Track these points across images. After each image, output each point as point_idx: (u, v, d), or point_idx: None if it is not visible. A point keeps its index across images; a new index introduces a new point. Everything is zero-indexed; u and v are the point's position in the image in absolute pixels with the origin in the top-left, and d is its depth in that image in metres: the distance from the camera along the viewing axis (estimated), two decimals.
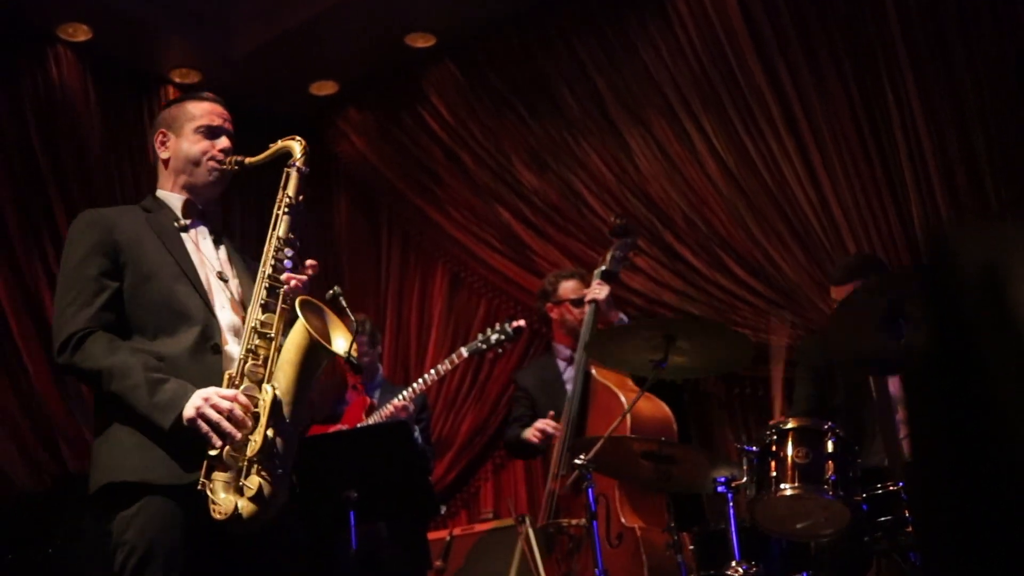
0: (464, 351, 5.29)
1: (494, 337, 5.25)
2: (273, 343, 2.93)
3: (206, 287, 3.06)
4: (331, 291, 3.10)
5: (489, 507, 6.75)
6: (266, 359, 2.92)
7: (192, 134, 3.22)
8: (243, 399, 2.83)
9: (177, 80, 7.18)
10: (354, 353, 2.96)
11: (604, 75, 6.56)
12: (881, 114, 5.72)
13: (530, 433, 5.21)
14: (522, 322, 5.35)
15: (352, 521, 4.23)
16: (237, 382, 2.87)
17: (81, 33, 6.62)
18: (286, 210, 3.12)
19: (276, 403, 2.84)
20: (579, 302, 5.30)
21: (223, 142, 3.24)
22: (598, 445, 4.14)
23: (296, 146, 3.20)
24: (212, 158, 3.21)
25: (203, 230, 3.23)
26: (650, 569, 4.58)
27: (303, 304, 2.92)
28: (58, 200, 6.35)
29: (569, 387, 5.19)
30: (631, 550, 4.57)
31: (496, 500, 6.82)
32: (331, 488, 4.24)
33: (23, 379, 5.99)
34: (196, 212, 3.23)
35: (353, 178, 7.80)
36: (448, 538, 6.06)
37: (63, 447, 5.96)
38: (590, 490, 4.17)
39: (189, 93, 3.47)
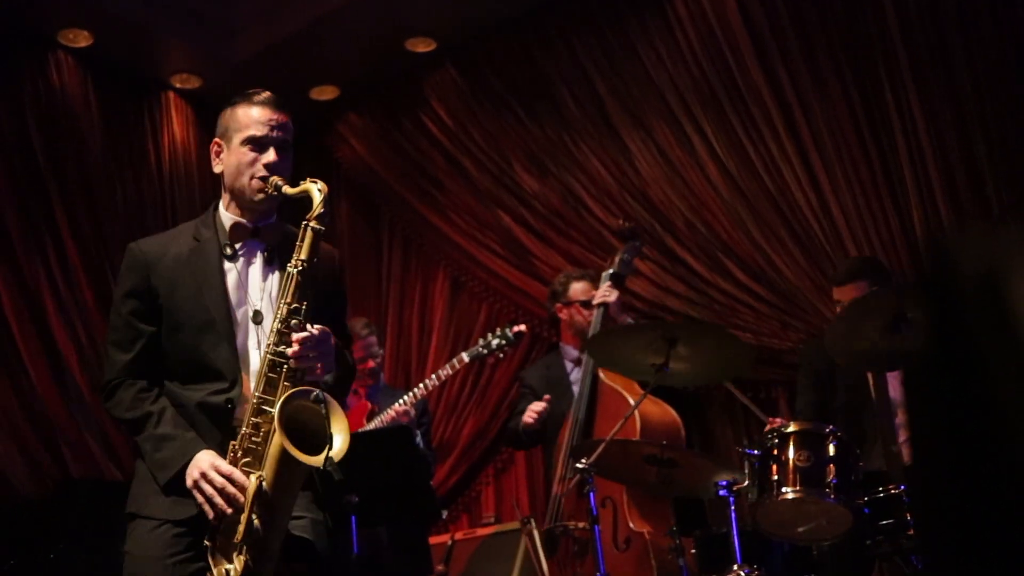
0: (465, 356, 5.30)
1: (495, 342, 5.25)
2: (274, 420, 2.85)
3: (239, 332, 3.00)
4: (313, 395, 2.80)
5: (491, 511, 6.74)
6: (267, 435, 2.86)
7: (239, 147, 3.04)
8: (239, 477, 2.83)
9: (178, 85, 7.20)
10: (336, 459, 2.78)
11: (604, 78, 6.56)
12: (881, 117, 5.72)
13: (525, 417, 5.21)
14: (523, 327, 5.36)
15: (353, 525, 4.23)
16: (239, 454, 2.87)
17: (82, 39, 6.63)
18: (299, 277, 2.91)
19: (260, 492, 2.80)
20: (588, 304, 5.32)
21: (269, 156, 3.01)
22: (600, 449, 4.15)
23: (316, 197, 2.96)
24: (254, 175, 3.02)
25: (255, 253, 3.08)
26: (659, 574, 4.58)
27: (294, 396, 2.81)
28: (59, 204, 6.36)
29: (575, 388, 5.20)
30: (639, 555, 4.57)
31: (498, 504, 6.81)
32: (332, 492, 4.23)
33: (24, 381, 6.00)
34: (247, 233, 3.07)
35: (354, 183, 7.79)
36: (450, 542, 6.05)
37: (64, 450, 5.96)
38: (591, 494, 4.18)
39: (245, 93, 3.13)
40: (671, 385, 4.60)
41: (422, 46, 7.09)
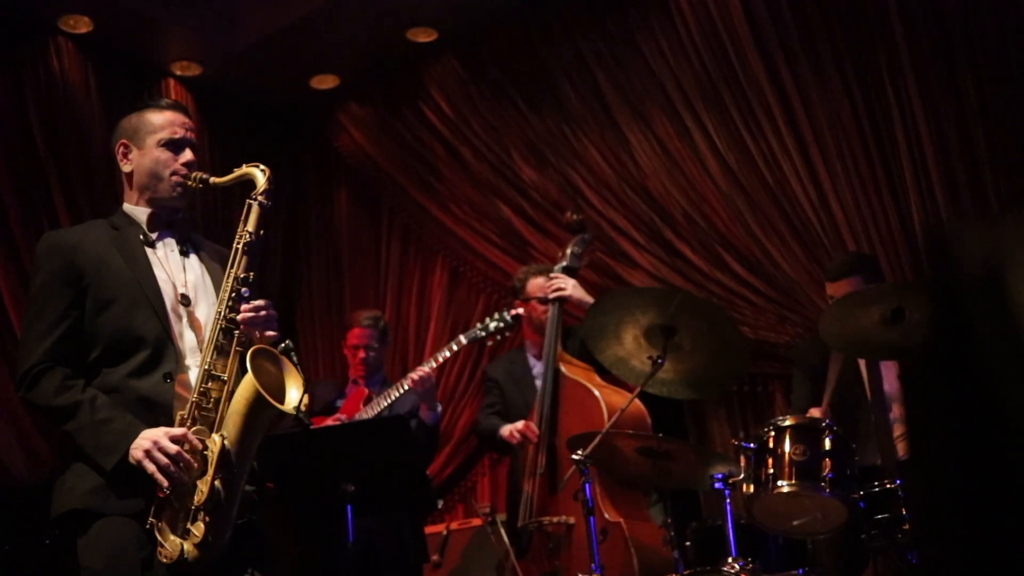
0: (463, 339, 5.28)
1: (492, 325, 5.24)
2: (226, 386, 2.91)
3: (169, 311, 3.04)
4: (282, 344, 2.96)
5: (486, 501, 6.75)
6: (217, 401, 2.90)
7: (155, 147, 3.15)
8: (193, 440, 2.83)
9: (178, 72, 7.19)
10: (303, 408, 2.90)
11: (605, 69, 6.56)
12: (882, 112, 5.72)
13: (508, 432, 5.17)
14: (520, 310, 5.33)
15: (349, 514, 4.23)
16: (188, 424, 2.87)
17: (82, 25, 6.62)
18: (246, 248, 3.05)
19: (224, 453, 2.82)
20: (543, 301, 5.29)
21: (186, 155, 3.17)
22: (596, 440, 4.14)
23: (260, 176, 3.12)
24: (175, 172, 3.14)
25: (170, 242, 3.18)
26: (640, 562, 4.59)
27: (258, 352, 2.88)
28: (59, 191, 6.36)
29: (539, 383, 5.18)
30: (618, 545, 4.57)
31: (493, 495, 6.82)
32: (328, 481, 4.24)
33: None
34: (162, 224, 3.18)
35: (354, 172, 7.79)
36: (445, 532, 6.07)
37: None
38: (587, 485, 4.18)
39: (149, 100, 3.33)
40: (665, 395, 4.57)
41: (423, 36, 7.09)
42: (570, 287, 5.20)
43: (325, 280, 7.85)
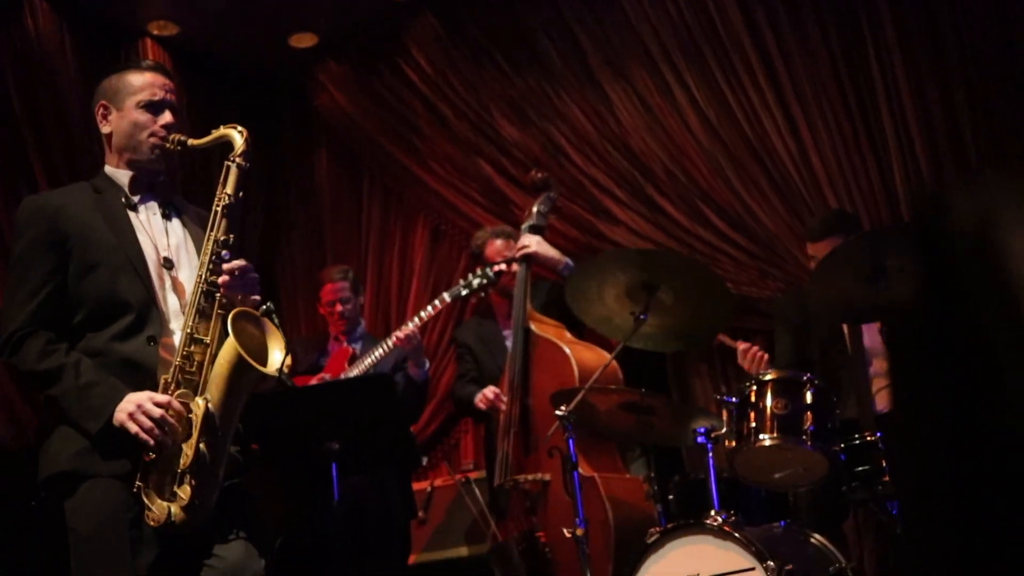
0: (447, 296, 5.29)
1: (476, 282, 5.24)
2: (209, 349, 2.91)
3: (153, 274, 3.03)
4: (264, 306, 2.98)
5: (470, 459, 6.79)
6: (201, 364, 2.90)
7: (134, 109, 3.14)
8: (176, 405, 2.84)
9: (155, 32, 7.12)
10: (286, 370, 2.93)
11: (585, 27, 6.53)
12: (862, 68, 5.72)
13: (479, 399, 5.20)
14: (503, 266, 5.33)
15: (334, 473, 4.26)
16: (172, 388, 2.87)
17: None
18: (225, 210, 3.03)
19: (208, 416, 2.83)
20: (509, 262, 5.29)
21: (165, 117, 3.15)
22: (579, 396, 4.17)
23: (238, 138, 3.10)
24: (153, 134, 3.13)
25: (152, 205, 3.17)
26: (616, 516, 4.62)
27: (239, 315, 2.88)
28: (36, 153, 6.30)
29: (509, 344, 5.19)
30: (593, 500, 4.58)
31: (477, 452, 6.84)
32: (313, 440, 4.25)
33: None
34: (144, 187, 3.17)
35: (333, 131, 7.75)
36: (429, 489, 6.11)
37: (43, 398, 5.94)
38: (571, 441, 4.21)
39: (130, 62, 3.38)
40: (646, 348, 4.58)
41: None
42: (534, 244, 5.20)
43: (306, 240, 7.83)
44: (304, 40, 7.46)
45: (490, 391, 5.12)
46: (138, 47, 7.07)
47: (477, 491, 5.26)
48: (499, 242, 5.42)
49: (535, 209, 5.35)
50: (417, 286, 7.18)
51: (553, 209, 5.52)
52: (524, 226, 5.32)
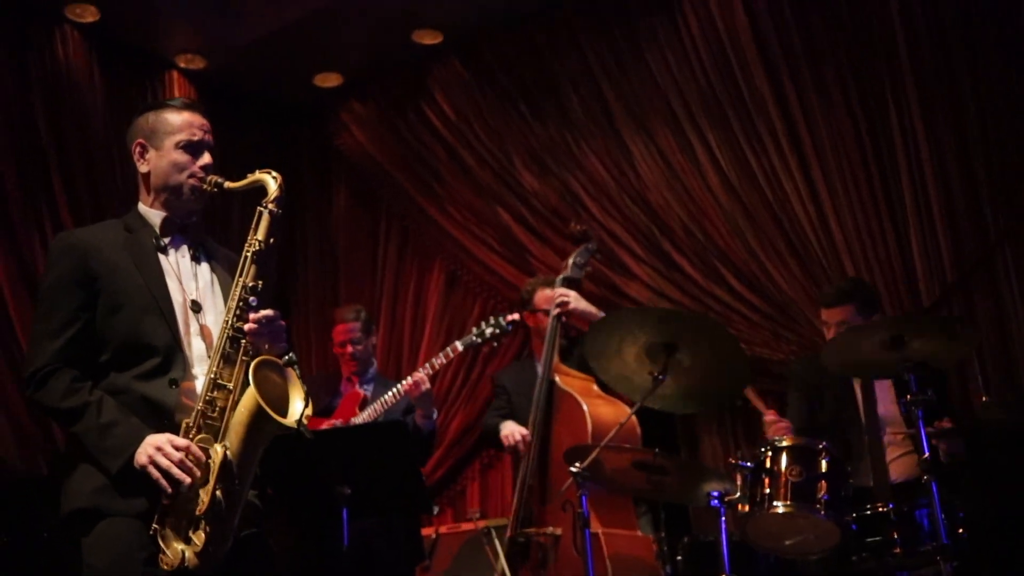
0: (459, 344, 5.29)
1: (488, 331, 5.25)
2: (231, 396, 2.91)
3: (179, 318, 3.04)
4: (286, 357, 2.96)
5: (476, 507, 6.76)
6: (223, 411, 2.90)
7: (173, 149, 3.13)
8: (195, 450, 2.83)
9: (182, 65, 7.19)
10: (305, 421, 2.89)
11: (611, 80, 6.59)
12: (884, 136, 5.77)
13: (504, 434, 5.23)
14: (517, 315, 5.33)
15: (344, 517, 4.25)
16: (193, 433, 2.87)
17: (89, 14, 6.61)
18: (255, 256, 3.04)
19: (226, 463, 2.83)
20: (547, 312, 5.32)
21: (204, 158, 3.15)
22: (594, 454, 4.18)
23: (272, 183, 3.10)
24: (192, 175, 3.12)
25: (183, 248, 3.18)
26: (615, 573, 4.62)
27: (262, 364, 2.88)
28: (59, 178, 6.36)
29: None
30: (596, 557, 4.57)
31: (483, 500, 6.84)
32: (324, 484, 4.25)
33: (18, 355, 5.97)
34: (175, 228, 3.17)
35: (354, 170, 7.79)
36: (434, 536, 6.08)
37: (55, 427, 5.94)
38: (584, 497, 4.21)
39: (168, 100, 3.33)
40: (666, 409, 4.60)
41: (429, 38, 7.10)
42: (573, 299, 5.23)
43: (320, 278, 7.86)
44: (329, 80, 7.54)
45: (519, 431, 5.15)
46: (165, 79, 7.14)
47: (497, 541, 5.24)
48: (548, 291, 5.43)
49: (571, 261, 5.38)
50: (430, 330, 7.20)
51: (592, 259, 5.56)
52: (559, 278, 5.35)
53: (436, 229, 7.30)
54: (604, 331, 4.42)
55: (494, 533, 5.27)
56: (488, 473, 6.97)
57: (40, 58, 6.48)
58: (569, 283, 5.31)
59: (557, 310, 5.21)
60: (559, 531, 4.79)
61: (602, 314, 5.34)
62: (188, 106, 3.24)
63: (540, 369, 5.35)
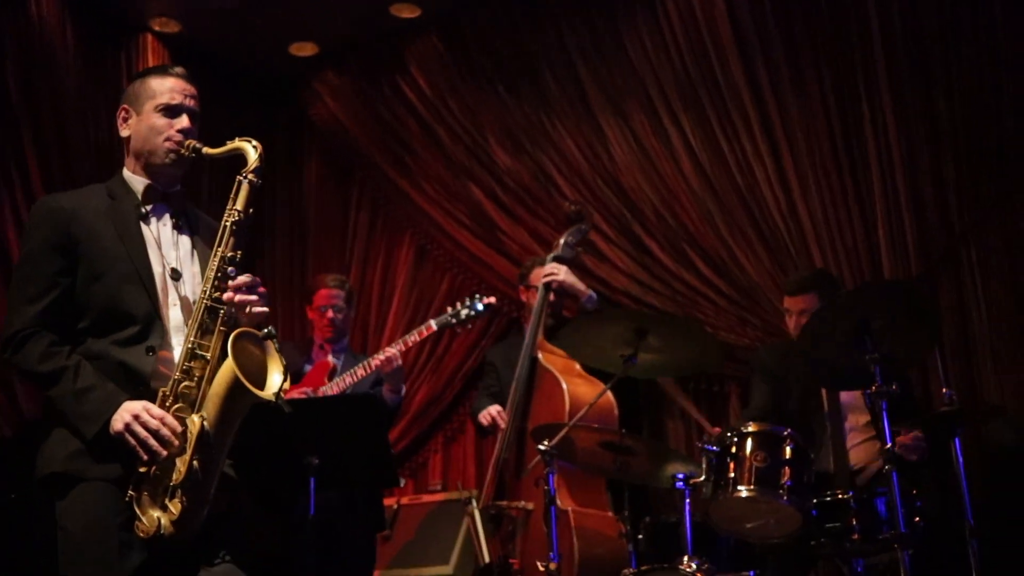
0: (434, 324, 5.31)
1: (464, 313, 5.28)
2: (208, 365, 2.92)
3: (158, 287, 3.05)
4: (264, 331, 2.95)
5: (437, 479, 6.81)
6: (200, 380, 2.91)
7: (152, 113, 3.15)
8: (171, 421, 2.84)
9: (157, 28, 7.11)
10: (283, 395, 2.93)
11: (588, 62, 6.61)
12: (856, 126, 5.83)
13: (482, 415, 5.31)
14: (492, 299, 5.38)
15: (312, 487, 4.27)
16: (170, 402, 2.89)
17: None
18: (234, 227, 3.04)
19: (203, 433, 2.84)
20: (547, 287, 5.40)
21: (182, 122, 3.15)
22: (561, 432, 4.24)
23: (252, 152, 3.11)
24: (168, 138, 3.13)
25: (164, 216, 3.18)
26: (581, 549, 4.70)
27: (241, 335, 2.89)
28: (30, 141, 6.28)
29: None
30: (564, 532, 4.64)
31: (445, 472, 6.88)
32: (292, 453, 4.27)
33: None
34: (158, 196, 3.18)
35: (325, 141, 7.77)
36: (395, 507, 6.13)
37: (18, 389, 5.92)
38: (551, 475, 4.27)
39: (155, 67, 3.37)
40: (637, 376, 4.67)
41: (407, 12, 7.07)
42: (562, 273, 5.31)
43: (288, 247, 7.84)
44: (304, 49, 7.49)
45: (494, 409, 5.25)
46: (139, 42, 7.07)
47: (476, 511, 5.31)
48: (542, 268, 5.49)
49: (563, 240, 5.49)
50: (398, 304, 7.21)
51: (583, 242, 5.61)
52: (550, 255, 5.44)
53: (407, 203, 7.30)
54: (576, 329, 4.58)
55: (474, 502, 5.32)
56: (451, 446, 7.01)
57: (12, 17, 6.39)
58: (560, 262, 5.39)
59: (546, 279, 5.28)
60: (531, 505, 4.87)
61: (590, 292, 5.45)
62: (174, 72, 3.25)
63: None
